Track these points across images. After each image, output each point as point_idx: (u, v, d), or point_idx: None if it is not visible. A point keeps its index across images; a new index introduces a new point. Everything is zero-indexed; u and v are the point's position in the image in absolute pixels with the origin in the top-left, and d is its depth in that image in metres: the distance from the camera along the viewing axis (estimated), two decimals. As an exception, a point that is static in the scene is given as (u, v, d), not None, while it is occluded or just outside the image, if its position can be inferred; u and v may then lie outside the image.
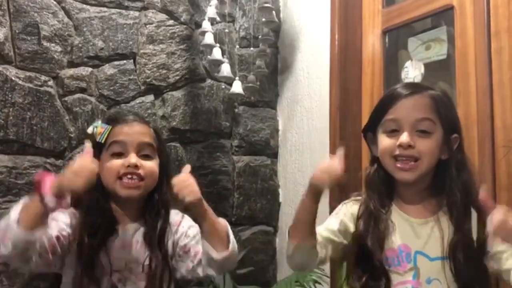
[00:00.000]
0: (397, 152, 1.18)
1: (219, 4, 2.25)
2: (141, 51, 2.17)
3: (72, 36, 2.05)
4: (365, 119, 1.41)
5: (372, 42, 2.12)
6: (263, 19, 2.26)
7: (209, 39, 2.18)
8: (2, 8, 1.90)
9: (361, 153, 1.97)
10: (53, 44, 1.99)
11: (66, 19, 2.04)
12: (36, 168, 1.90)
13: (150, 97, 2.18)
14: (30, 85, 1.93)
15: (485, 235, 1.10)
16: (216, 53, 2.19)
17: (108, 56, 2.11)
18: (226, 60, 2.21)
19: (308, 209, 1.14)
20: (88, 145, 1.25)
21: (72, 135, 2.00)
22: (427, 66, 1.96)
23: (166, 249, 1.34)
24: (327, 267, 2.00)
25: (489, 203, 1.04)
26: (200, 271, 1.31)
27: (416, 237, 1.19)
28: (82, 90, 2.04)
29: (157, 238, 1.33)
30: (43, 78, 1.97)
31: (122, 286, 1.29)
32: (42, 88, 1.95)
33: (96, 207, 1.29)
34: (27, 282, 1.81)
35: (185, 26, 2.26)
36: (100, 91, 2.07)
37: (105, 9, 2.12)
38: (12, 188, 1.85)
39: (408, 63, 2.02)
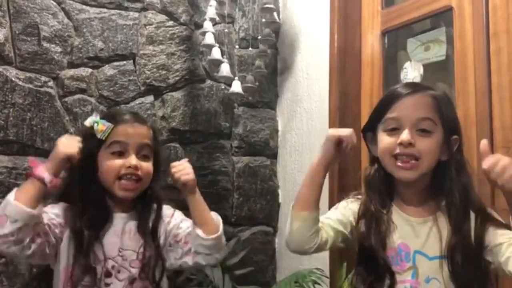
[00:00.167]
0: (397, 151, 1.17)
1: (218, 5, 2.25)
2: (141, 52, 2.17)
3: (72, 37, 2.05)
4: (364, 120, 1.40)
5: (371, 43, 2.13)
6: (264, 20, 2.26)
7: (209, 39, 2.18)
8: (2, 9, 1.90)
9: (361, 153, 1.97)
10: (53, 45, 2.00)
11: (66, 20, 2.04)
12: (36, 168, 1.90)
13: (150, 98, 2.19)
14: (30, 86, 1.93)
15: (483, 231, 1.12)
16: (216, 53, 2.19)
17: (108, 57, 2.11)
18: (225, 60, 2.21)
19: (315, 178, 1.19)
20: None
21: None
22: (426, 67, 1.97)
23: (159, 241, 1.38)
24: (326, 268, 2.00)
25: (487, 152, 1.04)
26: (188, 259, 1.37)
27: (416, 237, 1.19)
28: (82, 91, 2.04)
29: (150, 230, 1.37)
30: (43, 78, 1.97)
31: (116, 273, 1.32)
32: (42, 89, 1.96)
33: (91, 199, 1.33)
34: (27, 282, 1.81)
35: (184, 27, 2.26)
36: (100, 91, 2.08)
37: (105, 10, 2.12)
38: (12, 188, 1.79)
39: (407, 64, 2.02)
